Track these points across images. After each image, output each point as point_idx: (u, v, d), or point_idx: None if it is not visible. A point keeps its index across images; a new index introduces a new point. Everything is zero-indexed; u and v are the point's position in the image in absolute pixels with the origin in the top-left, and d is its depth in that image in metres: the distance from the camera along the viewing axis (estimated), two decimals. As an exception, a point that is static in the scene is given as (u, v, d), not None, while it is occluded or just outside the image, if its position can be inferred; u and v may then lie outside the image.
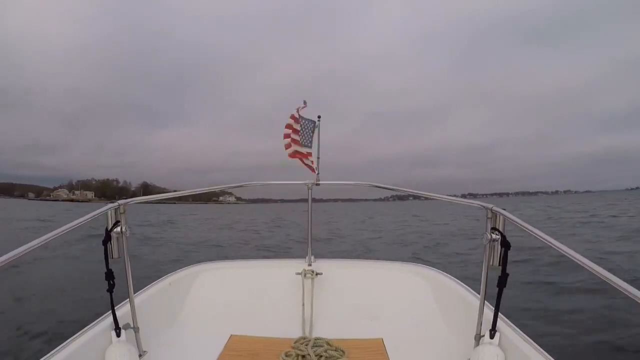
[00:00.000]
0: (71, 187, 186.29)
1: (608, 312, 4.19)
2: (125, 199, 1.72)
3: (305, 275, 2.48)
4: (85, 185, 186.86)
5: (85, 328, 1.68)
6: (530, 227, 1.38)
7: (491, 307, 1.68)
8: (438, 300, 2.41)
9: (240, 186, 2.68)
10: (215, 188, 2.71)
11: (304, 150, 2.60)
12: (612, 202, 38.34)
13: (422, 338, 2.16)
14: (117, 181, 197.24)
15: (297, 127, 2.57)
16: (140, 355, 1.81)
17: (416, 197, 2.87)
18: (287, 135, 2.61)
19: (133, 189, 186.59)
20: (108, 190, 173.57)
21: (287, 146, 2.60)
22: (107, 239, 1.57)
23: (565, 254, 1.19)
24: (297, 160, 2.63)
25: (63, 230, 1.33)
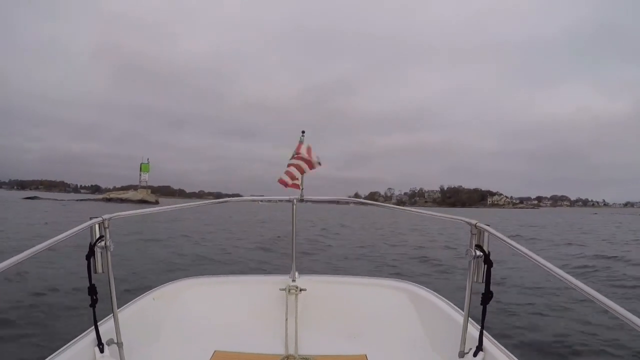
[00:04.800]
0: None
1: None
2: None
3: (289, 291, 2.47)
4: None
5: (68, 344, 1.65)
6: (515, 244, 1.38)
7: (475, 324, 1.72)
8: (422, 316, 2.39)
9: (226, 202, 2.85)
10: (201, 204, 2.82)
11: (296, 165, 2.60)
12: None
13: (406, 354, 2.16)
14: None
15: (299, 162, 2.57)
16: None
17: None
18: (289, 174, 2.58)
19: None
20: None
21: (285, 183, 2.57)
22: (91, 253, 1.57)
23: (551, 272, 1.20)
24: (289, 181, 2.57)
25: (45, 246, 1.32)
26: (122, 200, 62.87)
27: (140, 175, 66.77)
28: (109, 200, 64.77)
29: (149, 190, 66.69)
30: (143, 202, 61.04)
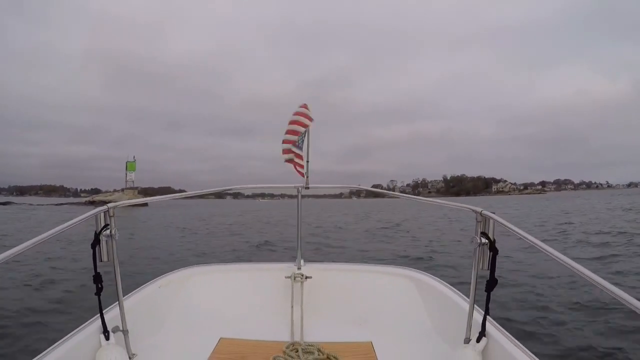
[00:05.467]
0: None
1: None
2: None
3: (294, 279, 2.47)
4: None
5: (74, 331, 1.67)
6: (521, 231, 1.39)
7: (481, 311, 1.70)
8: (427, 303, 2.39)
9: (231, 189, 2.81)
10: (208, 192, 2.76)
11: (299, 152, 2.55)
12: None
13: (411, 341, 2.15)
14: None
15: (302, 129, 2.52)
16: (129, 358, 1.79)
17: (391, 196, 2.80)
18: (288, 141, 2.54)
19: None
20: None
21: (287, 151, 2.56)
22: (96, 242, 1.58)
23: (557, 259, 1.21)
24: (290, 166, 2.59)
25: (52, 234, 1.35)
26: (105, 204, 58.01)
27: (126, 174, 61.80)
28: (92, 203, 60.12)
29: (136, 191, 61.79)
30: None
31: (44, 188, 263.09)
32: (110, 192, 67.02)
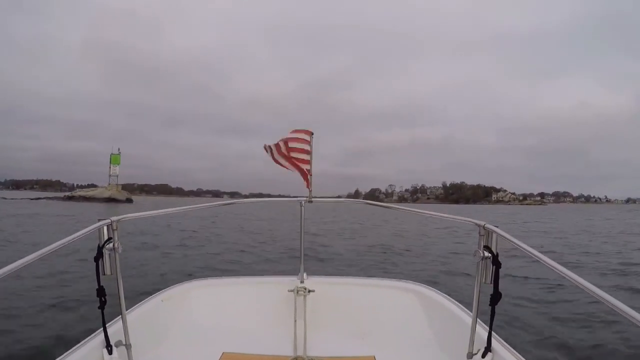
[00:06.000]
0: None
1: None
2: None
3: (297, 293, 2.46)
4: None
5: (77, 345, 1.67)
6: (524, 245, 1.39)
7: (484, 325, 1.72)
8: (430, 317, 2.39)
9: (233, 203, 2.87)
10: (211, 205, 2.78)
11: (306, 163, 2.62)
12: None
13: (414, 355, 2.15)
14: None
15: (307, 147, 2.60)
16: None
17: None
18: (295, 149, 2.58)
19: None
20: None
21: (294, 159, 2.57)
22: (99, 255, 1.58)
23: (559, 273, 1.22)
24: (295, 172, 2.59)
25: (56, 247, 1.36)
26: (86, 199, 55.00)
27: (110, 168, 58.48)
28: (71, 198, 56.96)
29: (120, 187, 58.58)
30: (111, 200, 53.41)
31: (39, 182, 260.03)
32: (104, 187, 63.40)
